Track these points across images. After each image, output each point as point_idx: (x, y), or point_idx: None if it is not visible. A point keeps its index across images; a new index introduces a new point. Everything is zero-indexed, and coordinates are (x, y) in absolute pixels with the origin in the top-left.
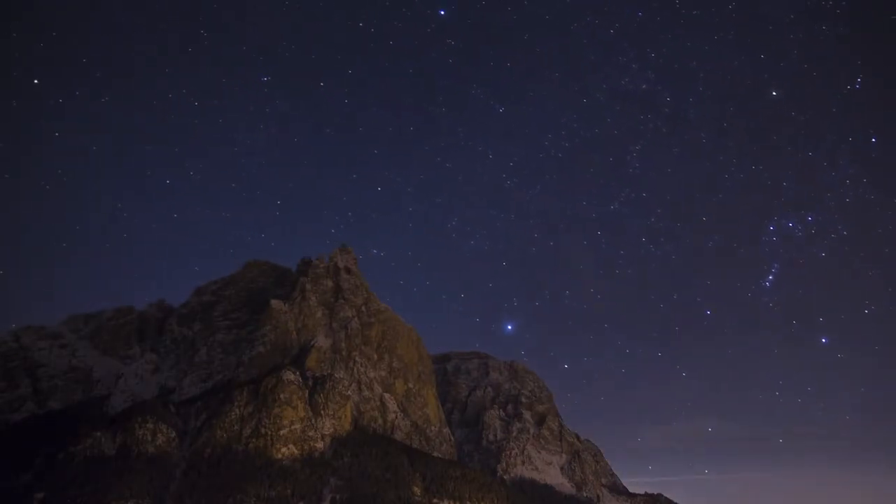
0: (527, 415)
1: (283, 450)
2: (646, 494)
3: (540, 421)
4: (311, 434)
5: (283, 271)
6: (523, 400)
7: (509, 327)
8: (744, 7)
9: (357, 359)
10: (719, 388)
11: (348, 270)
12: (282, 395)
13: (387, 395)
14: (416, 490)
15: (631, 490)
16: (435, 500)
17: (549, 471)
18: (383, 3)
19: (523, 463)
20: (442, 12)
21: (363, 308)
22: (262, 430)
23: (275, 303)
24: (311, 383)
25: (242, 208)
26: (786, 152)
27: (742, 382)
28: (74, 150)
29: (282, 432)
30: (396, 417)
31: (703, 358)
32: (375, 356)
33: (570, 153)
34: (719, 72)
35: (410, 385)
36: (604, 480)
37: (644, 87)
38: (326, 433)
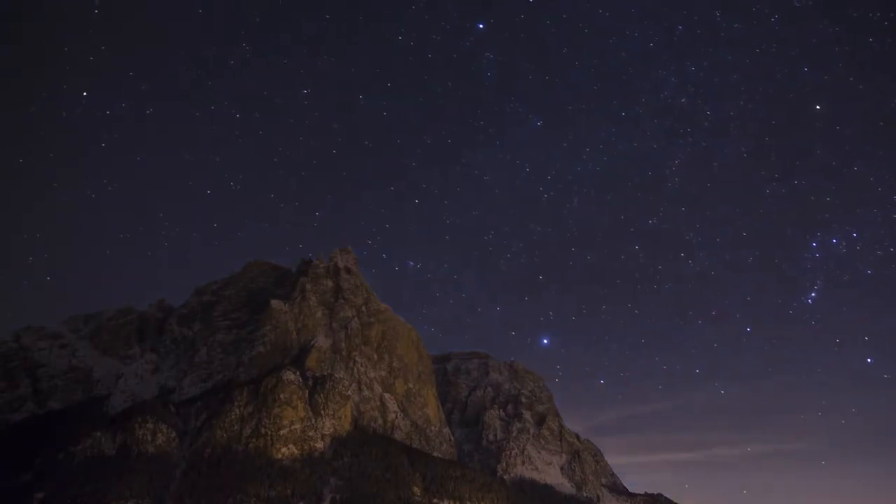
0: (527, 415)
1: (283, 450)
2: (645, 494)
3: (540, 421)
4: (311, 434)
5: (284, 271)
6: (523, 400)
7: (545, 341)
8: (787, 20)
9: (357, 359)
10: (759, 407)
11: (348, 270)
12: (282, 395)
13: (387, 395)
14: (416, 490)
15: (631, 490)
16: (435, 500)
17: (549, 471)
18: (422, 17)
19: (523, 463)
20: (480, 26)
21: (363, 308)
22: (262, 430)
23: (275, 303)
24: (311, 383)
25: (281, 220)
26: (830, 167)
27: (783, 402)
28: (119, 160)
29: (282, 432)
30: (396, 417)
31: (742, 376)
32: (375, 356)
33: (609, 167)
34: (761, 85)
35: (410, 385)
36: (604, 480)
37: (683, 100)
38: (326, 433)
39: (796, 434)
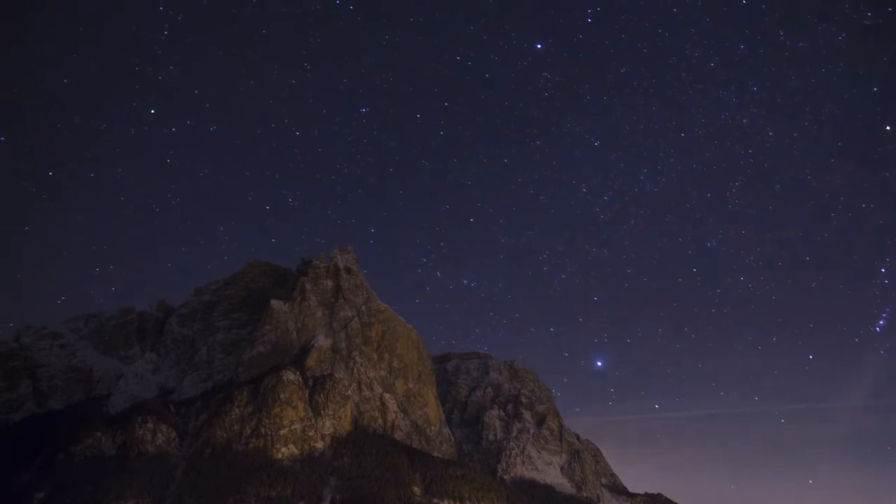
0: (527, 415)
1: (283, 450)
2: (645, 494)
3: (540, 421)
4: (311, 434)
5: (283, 271)
6: (523, 400)
7: (599, 364)
8: (855, 39)
9: (357, 359)
10: (823, 441)
11: (348, 270)
12: (282, 395)
13: (387, 395)
14: (416, 490)
15: (631, 490)
16: (435, 500)
17: (549, 471)
18: (480, 36)
19: (523, 463)
20: (538, 45)
21: (363, 308)
22: (262, 430)
23: (275, 303)
24: (311, 383)
25: (338, 234)
26: None
27: (847, 432)
28: (185, 175)
29: (282, 432)
30: (396, 417)
31: (804, 407)
32: (375, 356)
33: (667, 188)
34: (827, 106)
35: (410, 385)
36: (604, 480)
37: (745, 121)
38: (326, 433)
39: (864, 470)
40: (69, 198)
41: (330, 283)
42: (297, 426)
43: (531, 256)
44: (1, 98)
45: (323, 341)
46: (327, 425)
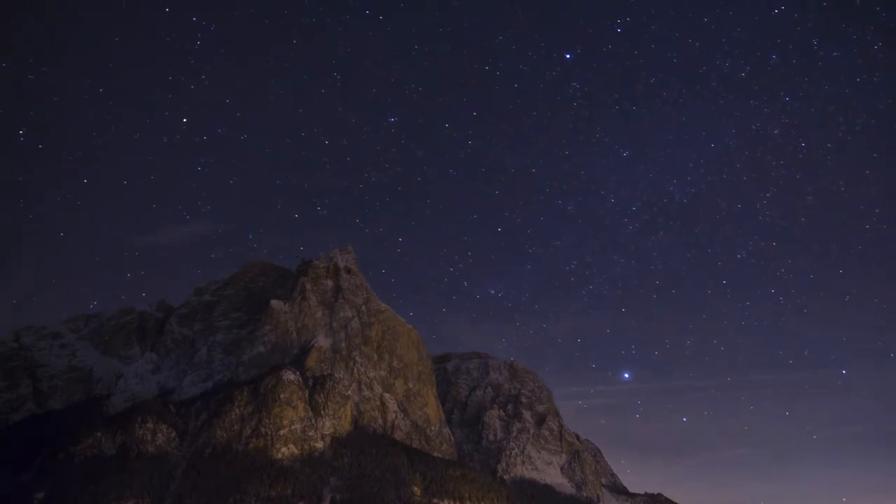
0: (527, 415)
1: (283, 450)
2: (646, 494)
3: (540, 421)
4: (311, 434)
5: (283, 271)
6: (523, 400)
7: (626, 376)
8: (891, 48)
9: (357, 359)
10: (854, 457)
11: (348, 270)
12: (282, 395)
13: (387, 395)
14: (416, 490)
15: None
16: (435, 500)
17: (549, 471)
18: (509, 46)
19: (523, 463)
20: (568, 56)
21: (363, 308)
22: (262, 430)
23: (275, 303)
24: (311, 383)
25: (367, 243)
26: None
27: (882, 451)
28: (215, 183)
29: (282, 432)
30: (396, 417)
31: (836, 423)
32: (375, 356)
33: (696, 199)
34: (862, 117)
35: (410, 385)
36: (604, 480)
37: (776, 132)
38: (326, 433)
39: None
40: (103, 207)
41: (330, 283)
42: (297, 426)
43: (558, 267)
44: (38, 106)
45: (323, 341)
46: (327, 425)
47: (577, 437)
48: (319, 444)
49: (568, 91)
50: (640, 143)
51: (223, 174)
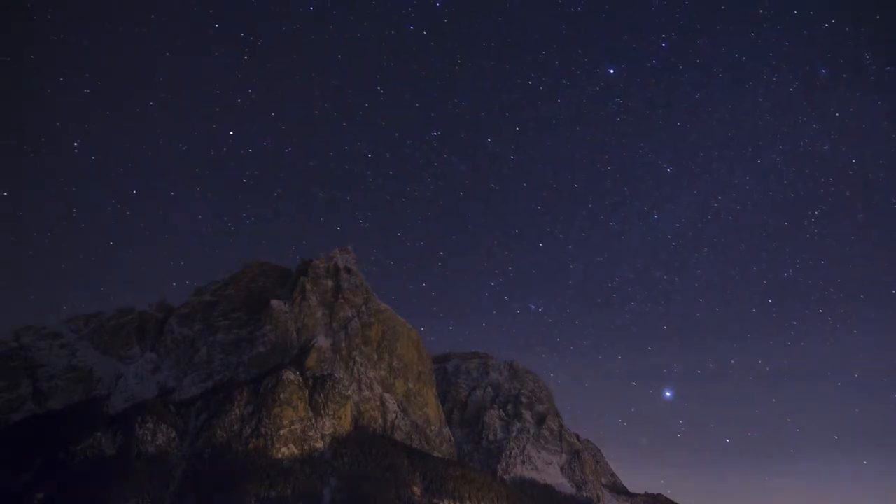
0: (527, 415)
1: (283, 450)
2: (646, 494)
3: (540, 421)
4: (311, 434)
5: (284, 271)
6: (523, 400)
7: (668, 394)
8: None
9: (357, 359)
10: None
11: (348, 270)
12: (282, 395)
13: (387, 395)
14: (416, 490)
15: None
16: (435, 500)
17: (549, 471)
18: (552, 61)
19: (523, 463)
20: (611, 71)
21: (363, 308)
22: (262, 430)
23: (275, 303)
24: (311, 383)
25: (408, 256)
26: None
27: None
28: (259, 195)
29: (282, 432)
30: (396, 417)
31: (887, 447)
32: (375, 356)
33: (742, 216)
34: None
35: (410, 385)
36: (604, 480)
37: (825, 148)
38: (326, 433)
39: None
40: (150, 217)
41: (330, 283)
42: (297, 426)
43: (600, 283)
44: (93, 119)
45: (323, 341)
46: (327, 425)
47: (577, 436)
48: (319, 444)
49: (611, 106)
50: (684, 159)
51: (268, 186)
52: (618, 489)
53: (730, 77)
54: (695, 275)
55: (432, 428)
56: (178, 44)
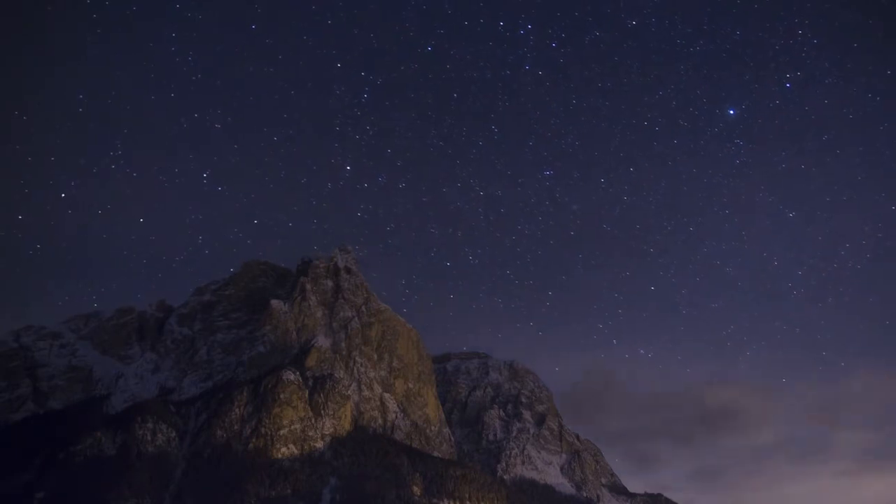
0: (527, 415)
1: (283, 450)
2: (645, 494)
3: (540, 421)
4: (311, 434)
5: (283, 271)
6: (523, 400)
7: None
8: None
9: (357, 359)
10: None
11: (348, 270)
12: (282, 395)
13: (387, 395)
14: (416, 490)
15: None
16: (435, 500)
17: (549, 471)
18: (669, 101)
19: (523, 463)
20: (731, 111)
21: (363, 308)
22: (262, 430)
23: (275, 303)
24: (311, 383)
25: (517, 295)
26: None
27: None
28: (373, 229)
29: (282, 432)
30: (396, 417)
31: None
32: (375, 356)
33: (870, 266)
34: None
35: (410, 385)
36: (604, 480)
37: None
38: (326, 433)
39: None
40: (262, 245)
41: (330, 283)
42: (297, 426)
43: (714, 331)
44: (221, 154)
45: (323, 341)
46: (327, 425)
47: (578, 436)
48: (319, 444)
49: (730, 148)
50: (808, 204)
51: (381, 220)
52: (618, 489)
53: (860, 118)
54: (818, 326)
55: (432, 428)
56: (300, 80)
